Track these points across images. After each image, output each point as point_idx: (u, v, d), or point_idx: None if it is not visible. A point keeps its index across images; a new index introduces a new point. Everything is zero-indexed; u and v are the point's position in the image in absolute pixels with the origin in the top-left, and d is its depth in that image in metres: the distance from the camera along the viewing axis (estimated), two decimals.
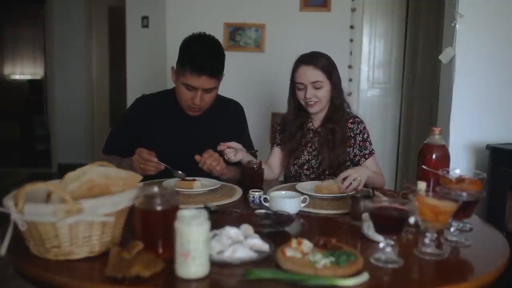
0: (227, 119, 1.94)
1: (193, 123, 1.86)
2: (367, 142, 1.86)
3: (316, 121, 1.93)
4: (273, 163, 1.98)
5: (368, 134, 1.88)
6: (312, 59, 1.85)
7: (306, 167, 1.90)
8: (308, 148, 1.91)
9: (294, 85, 1.89)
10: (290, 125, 1.93)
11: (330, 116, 1.89)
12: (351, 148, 1.85)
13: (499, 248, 1.14)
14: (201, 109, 1.82)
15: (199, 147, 1.82)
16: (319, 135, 1.90)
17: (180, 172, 1.67)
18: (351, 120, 1.88)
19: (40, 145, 6.35)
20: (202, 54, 1.71)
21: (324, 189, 1.57)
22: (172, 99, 1.85)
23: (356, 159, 1.84)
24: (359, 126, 1.87)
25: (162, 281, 0.88)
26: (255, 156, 1.78)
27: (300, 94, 1.86)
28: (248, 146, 1.92)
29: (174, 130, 1.85)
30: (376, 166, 1.86)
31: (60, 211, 0.90)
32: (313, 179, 1.84)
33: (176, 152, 1.72)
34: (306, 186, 1.64)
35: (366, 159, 1.84)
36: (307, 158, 1.90)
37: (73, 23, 5.33)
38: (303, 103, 1.87)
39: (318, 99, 1.84)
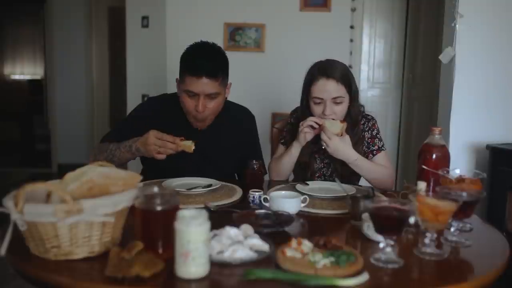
0: (237, 127, 1.89)
1: (201, 131, 1.79)
2: (376, 139, 1.81)
3: None
4: None
5: (378, 130, 1.83)
6: (333, 71, 1.71)
7: (317, 174, 1.86)
8: (320, 156, 1.85)
9: (308, 97, 1.76)
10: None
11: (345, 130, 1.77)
12: (361, 147, 1.80)
13: (499, 248, 1.14)
14: (206, 120, 1.74)
15: (206, 155, 1.81)
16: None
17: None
18: (363, 121, 1.84)
19: (40, 145, 6.34)
20: (199, 56, 1.68)
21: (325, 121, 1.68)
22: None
23: (365, 156, 1.79)
24: (368, 124, 1.83)
25: (162, 281, 0.88)
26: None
27: (317, 109, 1.73)
28: (257, 156, 1.89)
29: (181, 137, 1.82)
30: (386, 163, 1.80)
31: (60, 211, 0.90)
32: None
33: (183, 159, 1.72)
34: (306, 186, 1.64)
35: (374, 155, 1.79)
36: (319, 167, 1.86)
37: (73, 23, 5.33)
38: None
39: (336, 116, 1.72)
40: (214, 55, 1.71)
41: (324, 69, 1.73)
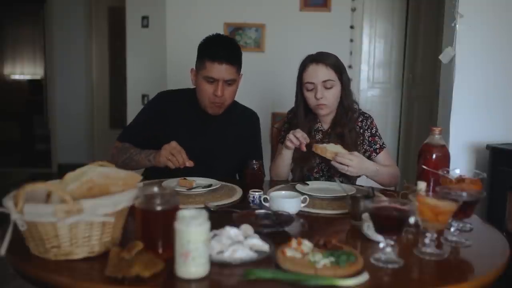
0: (242, 127, 1.95)
1: (208, 126, 1.87)
2: (376, 137, 1.83)
3: (325, 124, 1.87)
4: None
5: (376, 128, 1.85)
6: (322, 57, 1.78)
7: (316, 170, 1.86)
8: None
9: (302, 86, 1.81)
10: (301, 128, 1.77)
11: (339, 119, 1.82)
12: (361, 145, 1.82)
13: (499, 248, 1.14)
14: (223, 105, 1.81)
15: (212, 151, 1.86)
16: (329, 138, 1.82)
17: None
18: (360, 118, 1.85)
19: (40, 145, 6.34)
20: (220, 44, 1.78)
21: (319, 149, 1.64)
22: (191, 99, 1.86)
23: (367, 155, 1.81)
24: (367, 122, 1.84)
25: (162, 281, 0.88)
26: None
27: (310, 95, 1.78)
28: (257, 156, 1.92)
29: (190, 131, 1.85)
30: (389, 160, 1.83)
31: (60, 211, 0.90)
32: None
33: (188, 152, 1.73)
34: (306, 185, 1.64)
35: (377, 153, 1.81)
36: (317, 162, 1.85)
37: (73, 23, 5.33)
38: (312, 105, 1.79)
39: (328, 101, 1.76)
40: (232, 44, 1.84)
41: (314, 56, 1.81)
